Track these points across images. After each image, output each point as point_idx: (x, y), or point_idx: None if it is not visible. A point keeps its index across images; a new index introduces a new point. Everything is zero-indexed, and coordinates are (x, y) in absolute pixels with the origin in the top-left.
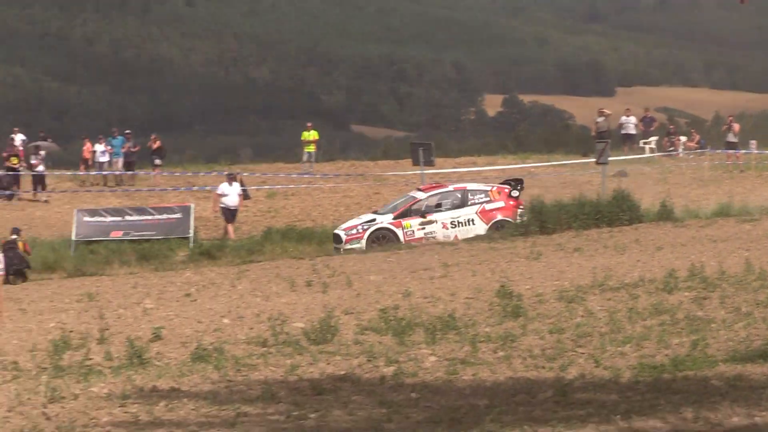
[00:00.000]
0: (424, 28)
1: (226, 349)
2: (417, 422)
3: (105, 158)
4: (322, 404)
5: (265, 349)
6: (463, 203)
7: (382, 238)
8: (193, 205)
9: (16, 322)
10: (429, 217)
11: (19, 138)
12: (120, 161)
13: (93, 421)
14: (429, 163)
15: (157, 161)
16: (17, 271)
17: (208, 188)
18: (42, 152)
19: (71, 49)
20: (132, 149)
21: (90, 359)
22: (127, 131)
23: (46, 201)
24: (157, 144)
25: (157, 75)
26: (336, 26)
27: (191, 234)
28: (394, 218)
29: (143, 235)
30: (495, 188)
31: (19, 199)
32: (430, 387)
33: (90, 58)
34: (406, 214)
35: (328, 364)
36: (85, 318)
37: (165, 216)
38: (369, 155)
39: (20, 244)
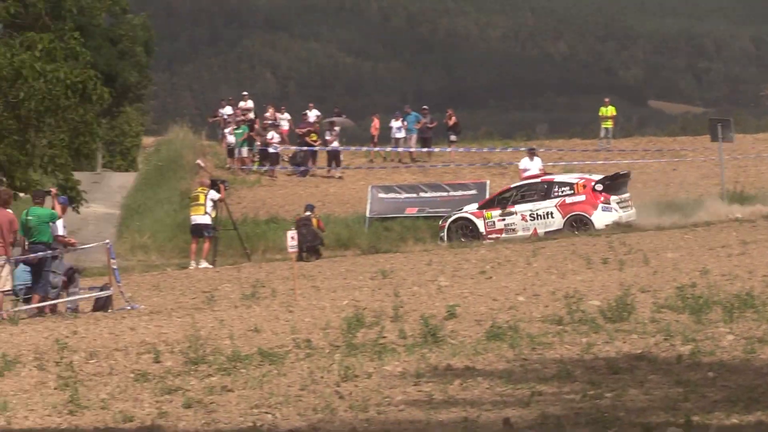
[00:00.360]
0: (723, 2)
1: (521, 327)
2: (714, 402)
3: (401, 134)
4: (618, 383)
5: (560, 327)
6: (547, 195)
7: (464, 229)
8: (488, 181)
9: (309, 299)
10: (509, 209)
11: (313, 114)
12: (413, 138)
13: (386, 399)
14: (728, 140)
15: (453, 137)
16: (311, 248)
17: (503, 164)
18: (336, 128)
19: (366, 24)
20: (429, 125)
21: (384, 337)
22: (424, 107)
23: (340, 177)
24: (453, 120)
25: (453, 50)
26: (634, 0)
27: None
28: (478, 208)
29: (438, 212)
30: (582, 181)
31: (313, 176)
32: (728, 366)
33: (385, 33)
34: (491, 204)
35: (624, 342)
36: (379, 295)
37: (460, 192)
38: (666, 131)
39: (314, 221)
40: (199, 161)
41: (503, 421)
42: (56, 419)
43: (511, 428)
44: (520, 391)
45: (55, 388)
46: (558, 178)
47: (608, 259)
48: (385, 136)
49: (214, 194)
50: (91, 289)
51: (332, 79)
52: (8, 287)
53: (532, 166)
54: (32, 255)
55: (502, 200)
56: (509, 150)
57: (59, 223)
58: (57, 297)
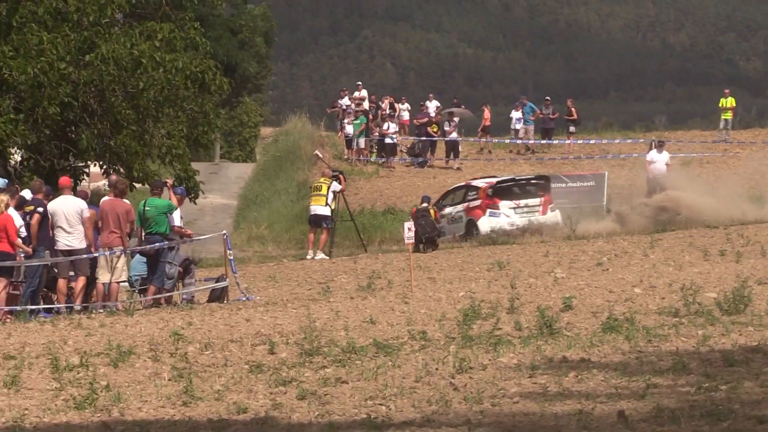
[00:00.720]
0: None
1: (637, 320)
2: None
3: (520, 125)
4: (733, 376)
5: (676, 319)
6: (463, 199)
7: None
8: (606, 173)
9: (425, 291)
10: (442, 212)
11: (433, 105)
12: (530, 129)
13: (501, 391)
14: None
15: (572, 128)
16: (429, 239)
17: (622, 156)
18: (455, 119)
19: (487, 14)
20: (551, 116)
21: (499, 329)
22: (547, 98)
23: (458, 168)
24: (573, 111)
25: (574, 40)
26: None
27: (605, 202)
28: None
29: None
30: (485, 185)
31: (431, 167)
32: None
33: (506, 23)
34: (437, 205)
35: (740, 334)
36: (495, 287)
37: (578, 184)
38: None
39: (432, 212)
40: (317, 152)
41: (618, 413)
42: (170, 410)
43: (626, 421)
44: (635, 383)
45: (170, 380)
46: (475, 182)
47: (725, 251)
48: (505, 127)
49: (336, 185)
50: (207, 280)
51: (452, 70)
52: (124, 278)
53: (659, 158)
54: (149, 246)
55: (441, 202)
56: (629, 141)
57: (176, 213)
58: (173, 288)
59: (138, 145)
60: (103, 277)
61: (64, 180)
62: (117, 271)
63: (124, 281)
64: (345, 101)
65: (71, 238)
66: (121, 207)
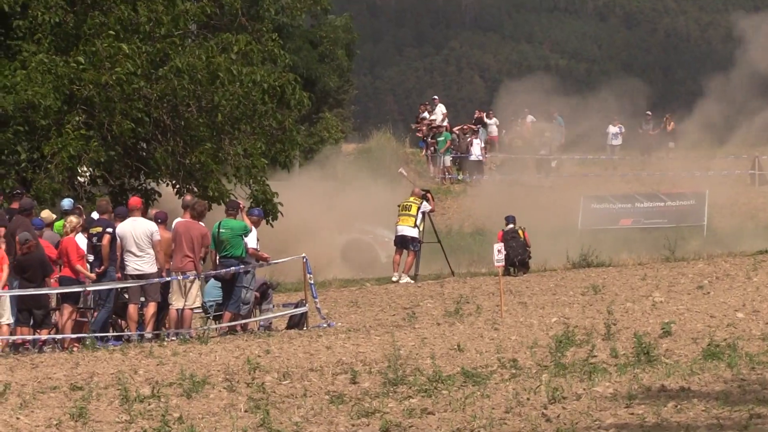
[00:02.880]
0: None
1: (739, 346)
2: None
3: (617, 141)
4: None
5: None
6: None
7: None
8: (707, 191)
9: (516, 316)
10: None
11: (528, 119)
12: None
13: (596, 422)
14: None
15: (671, 144)
16: (520, 262)
17: (724, 173)
18: (547, 134)
19: (582, 24)
20: (650, 132)
21: (594, 356)
22: (647, 112)
23: (550, 186)
24: (672, 125)
25: (672, 51)
26: None
27: (705, 222)
28: None
29: (654, 223)
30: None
31: (523, 185)
32: None
33: (601, 34)
34: None
35: None
36: (590, 312)
37: (677, 202)
38: None
39: (521, 233)
40: (401, 170)
41: None
42: None
43: None
44: (737, 413)
45: (246, 411)
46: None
47: None
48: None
49: (426, 205)
50: (286, 305)
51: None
52: (198, 304)
53: None
54: (224, 270)
55: None
56: (731, 158)
57: (252, 236)
58: (249, 314)
59: (213, 162)
60: (176, 302)
61: (135, 201)
62: (191, 296)
63: (198, 307)
64: (426, 115)
65: (141, 262)
66: (197, 230)
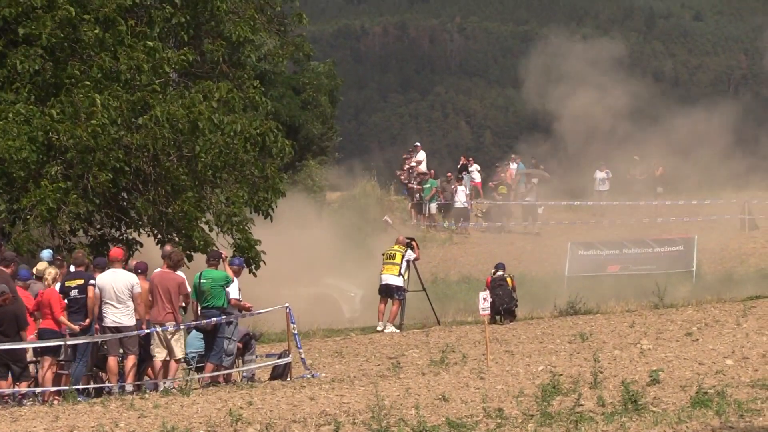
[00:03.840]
0: None
1: (728, 393)
2: None
3: (604, 187)
4: None
5: None
6: None
7: None
8: (696, 237)
9: (502, 365)
10: None
11: (514, 167)
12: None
13: None
14: None
15: (659, 189)
16: (506, 310)
17: (713, 218)
18: (534, 180)
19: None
20: (639, 176)
21: (581, 405)
22: (635, 157)
23: (537, 233)
24: (660, 170)
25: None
26: None
27: (694, 268)
28: None
29: (642, 270)
30: None
31: (509, 232)
32: None
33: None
34: None
35: None
36: (577, 360)
37: (666, 248)
38: None
39: (509, 281)
40: (386, 218)
41: None
42: None
43: None
44: None
45: None
46: None
47: None
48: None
49: (410, 254)
50: (269, 356)
51: (531, 128)
52: (181, 355)
53: None
54: (205, 321)
55: None
56: (720, 202)
57: (233, 286)
58: (232, 365)
59: (196, 211)
60: (159, 354)
61: (116, 252)
62: (176, 348)
63: (181, 359)
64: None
65: (119, 314)
66: (173, 281)
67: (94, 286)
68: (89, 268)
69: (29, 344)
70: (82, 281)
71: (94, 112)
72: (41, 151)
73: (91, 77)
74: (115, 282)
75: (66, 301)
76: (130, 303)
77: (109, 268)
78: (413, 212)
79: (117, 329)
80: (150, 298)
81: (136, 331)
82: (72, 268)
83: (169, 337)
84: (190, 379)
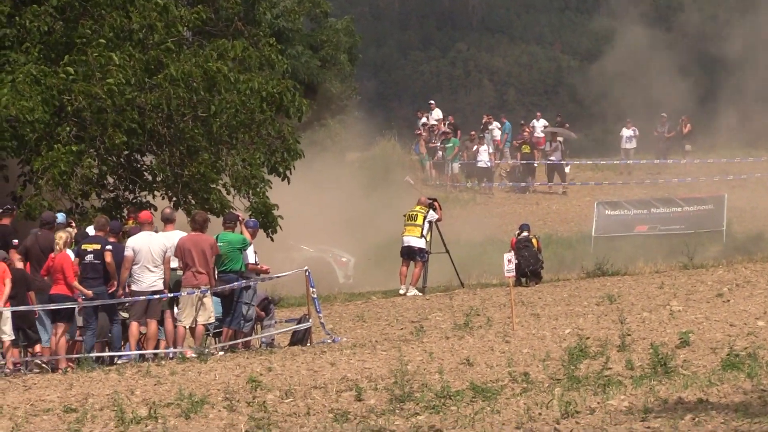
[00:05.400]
0: None
1: (760, 355)
2: None
3: (631, 144)
4: None
5: None
6: None
7: None
8: (726, 195)
9: (527, 328)
10: None
11: (540, 124)
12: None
13: None
14: None
15: (688, 147)
16: (532, 272)
17: (743, 176)
18: (560, 139)
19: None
20: (666, 134)
21: (609, 368)
22: (662, 114)
23: (563, 193)
24: (688, 128)
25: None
26: None
27: (724, 227)
28: None
29: (671, 230)
30: None
31: (533, 192)
32: None
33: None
34: None
35: None
36: (605, 322)
37: (695, 207)
38: None
39: (534, 242)
40: (408, 178)
41: None
42: None
43: None
44: (757, 425)
45: (246, 431)
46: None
47: None
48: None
49: (432, 215)
50: (288, 321)
51: (555, 85)
52: (213, 319)
53: None
54: (223, 286)
55: None
56: (750, 160)
57: (249, 250)
58: (251, 331)
59: (212, 172)
60: (186, 320)
61: (145, 215)
62: (206, 312)
63: (212, 323)
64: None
65: (155, 277)
66: (205, 242)
67: (110, 251)
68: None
69: (41, 307)
70: (98, 246)
71: (110, 71)
72: (54, 111)
73: (103, 36)
74: (152, 245)
75: (80, 266)
76: (162, 267)
77: (139, 231)
78: (434, 172)
79: (153, 293)
80: (180, 263)
81: (168, 294)
82: (90, 232)
83: (200, 300)
84: (208, 346)
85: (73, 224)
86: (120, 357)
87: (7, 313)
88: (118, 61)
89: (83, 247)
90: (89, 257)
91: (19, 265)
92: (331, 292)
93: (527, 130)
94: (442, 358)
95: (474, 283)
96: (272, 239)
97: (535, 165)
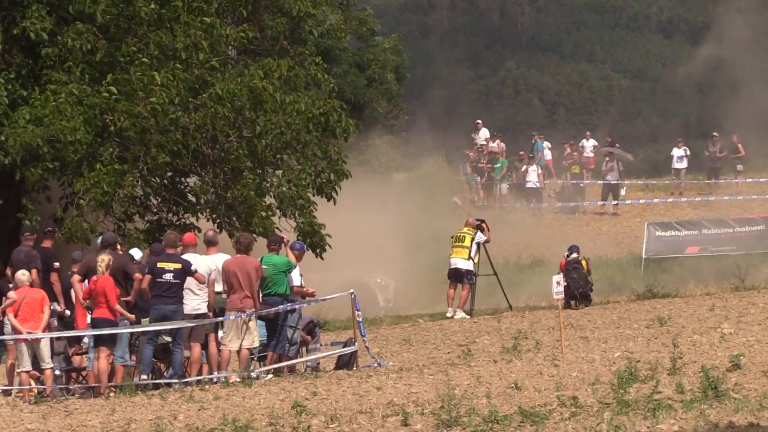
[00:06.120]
0: None
1: None
2: None
3: (682, 164)
4: None
5: None
6: None
7: None
8: None
9: (576, 351)
10: None
11: (590, 143)
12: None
13: None
14: None
15: (739, 167)
16: (582, 294)
17: None
18: (615, 159)
19: (644, 42)
20: (718, 154)
21: (659, 392)
22: (714, 134)
23: (615, 213)
24: (740, 147)
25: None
26: None
27: None
28: None
29: (722, 251)
30: None
31: (584, 212)
32: None
33: (665, 51)
34: None
35: None
36: (655, 345)
37: (747, 228)
38: None
39: (584, 263)
40: (455, 199)
41: None
42: None
43: None
44: None
45: None
46: None
47: None
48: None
49: (480, 236)
50: (334, 344)
51: (606, 104)
52: (257, 344)
53: None
54: (268, 309)
55: None
56: None
57: (295, 272)
58: (296, 355)
59: (256, 195)
60: (231, 344)
61: (189, 236)
62: (250, 336)
63: (257, 347)
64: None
65: (200, 300)
66: (251, 264)
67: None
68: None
69: (79, 333)
70: (179, 265)
71: (153, 90)
72: (96, 132)
73: (148, 55)
74: (198, 266)
75: (153, 284)
76: (206, 289)
77: (183, 252)
78: (482, 193)
79: (197, 317)
80: (225, 287)
81: (215, 319)
82: (137, 255)
83: (246, 324)
84: (252, 370)
85: (119, 246)
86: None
87: (46, 341)
88: (160, 81)
89: (159, 264)
90: (168, 276)
91: (78, 287)
92: (376, 315)
93: (575, 150)
94: (489, 382)
95: (522, 306)
96: (322, 258)
97: (581, 185)
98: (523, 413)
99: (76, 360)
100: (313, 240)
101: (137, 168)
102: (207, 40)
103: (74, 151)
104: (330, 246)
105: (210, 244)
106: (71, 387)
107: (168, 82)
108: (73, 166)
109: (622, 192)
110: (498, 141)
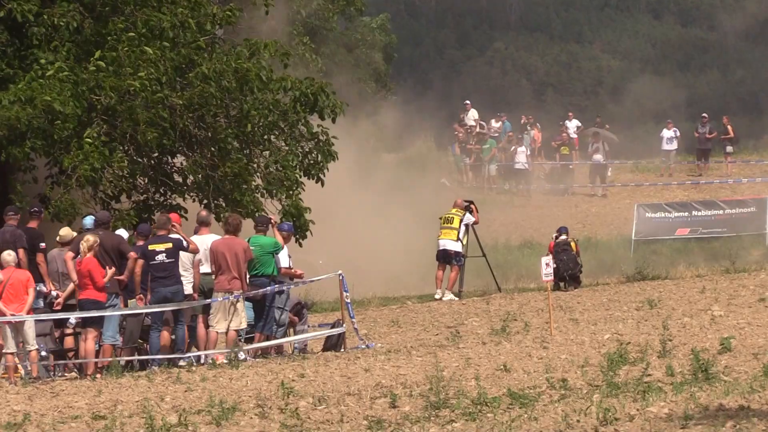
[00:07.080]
0: None
1: None
2: None
3: (672, 146)
4: None
5: None
6: None
7: None
8: None
9: (566, 334)
10: None
11: (573, 124)
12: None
13: None
14: None
15: (729, 148)
16: (571, 276)
17: None
18: (601, 140)
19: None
20: (707, 135)
21: (649, 375)
22: (703, 115)
23: (603, 195)
24: (730, 128)
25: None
26: None
27: (767, 230)
28: None
29: (712, 233)
30: None
31: (572, 194)
32: None
33: (654, 33)
34: None
35: None
36: (645, 328)
37: (737, 210)
38: None
39: (573, 245)
40: (444, 180)
41: None
42: None
43: None
44: None
45: None
46: None
47: None
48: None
49: (469, 217)
50: (321, 326)
51: (595, 85)
52: (245, 325)
53: None
54: (255, 291)
55: None
56: None
57: (283, 253)
58: (283, 336)
59: (246, 174)
60: (218, 325)
61: (175, 217)
62: (237, 317)
63: (244, 327)
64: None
65: (186, 282)
66: (239, 246)
67: (182, 250)
68: (134, 235)
69: (74, 314)
70: (170, 245)
71: (142, 65)
72: (84, 108)
73: (135, 32)
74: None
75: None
76: (191, 271)
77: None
78: (471, 174)
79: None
80: (212, 267)
81: (202, 301)
82: (125, 235)
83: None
84: (239, 350)
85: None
86: (182, 359)
87: (30, 323)
88: (152, 55)
89: (151, 247)
90: (161, 257)
91: (71, 265)
92: (364, 296)
93: (565, 131)
94: (478, 364)
95: (511, 288)
96: (300, 245)
97: (570, 166)
98: (512, 395)
99: (68, 341)
100: (297, 223)
101: (124, 146)
102: (194, 19)
103: (63, 127)
104: (311, 233)
105: (203, 224)
106: (63, 363)
107: (156, 58)
108: (61, 142)
109: (609, 173)
110: (503, 120)
